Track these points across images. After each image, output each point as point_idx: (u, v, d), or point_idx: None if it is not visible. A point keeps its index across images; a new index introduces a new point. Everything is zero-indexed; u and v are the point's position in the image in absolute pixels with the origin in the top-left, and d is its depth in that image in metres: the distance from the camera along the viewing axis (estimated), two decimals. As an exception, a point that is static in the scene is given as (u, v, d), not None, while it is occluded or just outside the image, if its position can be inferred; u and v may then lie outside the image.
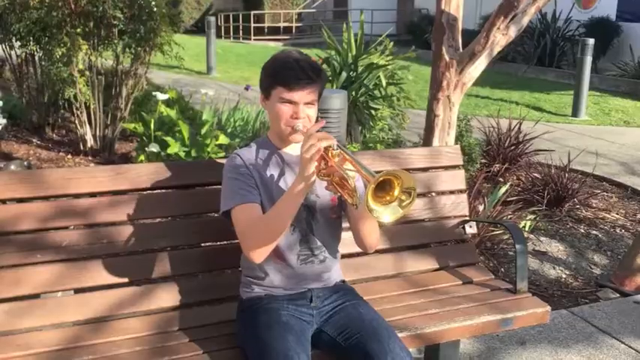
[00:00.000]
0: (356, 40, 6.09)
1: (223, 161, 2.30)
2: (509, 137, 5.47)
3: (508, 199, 4.48)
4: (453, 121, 3.89)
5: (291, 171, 2.02)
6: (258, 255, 1.89)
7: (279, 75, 1.93)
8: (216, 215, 2.32)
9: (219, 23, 19.11)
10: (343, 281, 2.18)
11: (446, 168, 2.75)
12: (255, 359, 1.86)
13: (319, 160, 1.76)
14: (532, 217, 4.47)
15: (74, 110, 5.14)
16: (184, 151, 4.55)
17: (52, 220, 2.09)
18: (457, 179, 2.75)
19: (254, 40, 19.32)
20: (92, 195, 2.18)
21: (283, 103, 1.93)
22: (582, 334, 3.06)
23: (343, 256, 2.27)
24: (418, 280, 2.54)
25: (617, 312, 3.31)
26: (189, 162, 3.31)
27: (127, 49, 5.20)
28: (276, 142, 2.05)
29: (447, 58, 3.74)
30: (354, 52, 6.03)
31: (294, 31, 21.49)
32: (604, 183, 5.64)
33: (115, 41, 5.08)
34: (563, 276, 3.81)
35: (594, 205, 4.97)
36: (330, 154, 1.76)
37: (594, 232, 4.47)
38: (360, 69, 5.94)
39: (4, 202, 2.07)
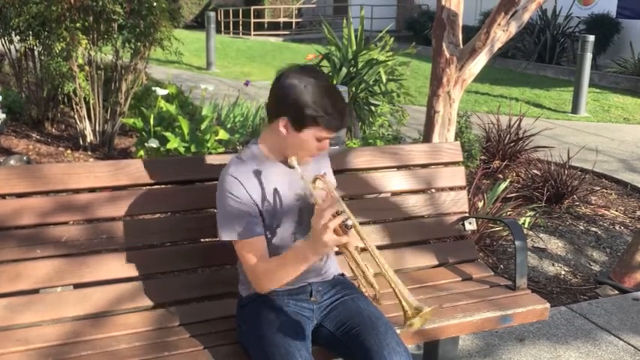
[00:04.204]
0: (356, 36, 6.08)
1: (223, 157, 2.30)
2: (508, 134, 5.47)
3: (507, 196, 4.48)
4: (452, 117, 3.88)
5: (290, 179, 1.97)
6: (263, 290, 1.92)
7: (325, 120, 1.83)
8: (215, 211, 2.32)
9: (219, 18, 19.06)
10: (342, 274, 2.18)
11: (446, 164, 2.75)
12: (256, 355, 1.87)
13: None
14: (531, 213, 4.47)
15: (73, 105, 5.13)
16: (184, 147, 4.55)
17: (51, 215, 2.09)
18: (457, 176, 2.75)
19: (254, 35, 19.26)
20: (92, 190, 2.18)
21: (317, 140, 1.89)
22: (581, 331, 3.07)
23: (343, 252, 2.27)
24: (417, 277, 2.54)
25: (616, 309, 3.31)
26: (188, 157, 3.30)
27: (127, 44, 5.18)
28: (273, 156, 1.96)
29: (447, 54, 3.73)
30: (354, 48, 6.02)
31: (294, 26, 21.45)
32: (603, 180, 5.64)
33: (115, 36, 5.06)
34: (563, 273, 3.81)
35: (594, 201, 4.98)
36: (342, 229, 1.73)
37: (593, 228, 4.47)
38: (360, 65, 5.93)
39: (3, 197, 2.07)
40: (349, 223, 1.70)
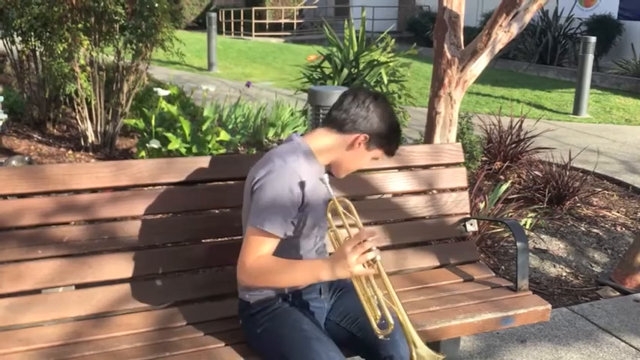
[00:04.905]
0: (357, 37, 6.09)
1: (225, 158, 2.30)
2: (510, 135, 5.46)
3: (509, 197, 4.48)
4: (454, 118, 3.88)
5: (325, 183, 2.00)
6: (243, 281, 1.90)
7: (394, 146, 2.04)
8: (217, 212, 2.32)
9: (220, 19, 19.09)
10: None
11: (447, 165, 2.75)
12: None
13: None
14: (533, 215, 4.47)
15: (75, 106, 5.14)
16: (185, 148, 4.55)
17: (53, 216, 2.09)
18: (458, 177, 2.75)
19: (255, 36, 19.29)
20: (93, 190, 2.18)
21: (371, 159, 2.03)
22: (582, 332, 3.07)
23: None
24: (419, 278, 2.55)
25: (617, 310, 3.31)
26: (190, 158, 3.30)
27: (128, 45, 5.19)
28: (320, 158, 1.99)
29: (448, 55, 3.73)
30: (355, 49, 6.03)
31: (295, 27, 21.47)
32: (605, 181, 5.64)
33: (117, 37, 5.07)
34: (564, 274, 3.81)
35: (595, 203, 4.97)
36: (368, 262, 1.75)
37: (595, 230, 4.47)
38: (361, 66, 5.94)
39: (5, 197, 2.07)
40: (379, 257, 1.73)
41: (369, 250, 1.69)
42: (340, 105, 1.98)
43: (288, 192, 1.85)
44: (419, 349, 1.73)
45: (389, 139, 2.00)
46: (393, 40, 6.31)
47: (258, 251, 1.85)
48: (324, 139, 1.98)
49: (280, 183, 1.85)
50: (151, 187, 2.24)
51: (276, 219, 1.84)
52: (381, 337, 1.77)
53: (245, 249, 1.86)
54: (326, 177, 1.86)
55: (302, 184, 1.88)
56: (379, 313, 1.79)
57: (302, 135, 2.01)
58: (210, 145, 4.63)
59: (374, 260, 1.71)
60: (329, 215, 1.94)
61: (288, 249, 1.95)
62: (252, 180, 1.91)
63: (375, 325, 1.79)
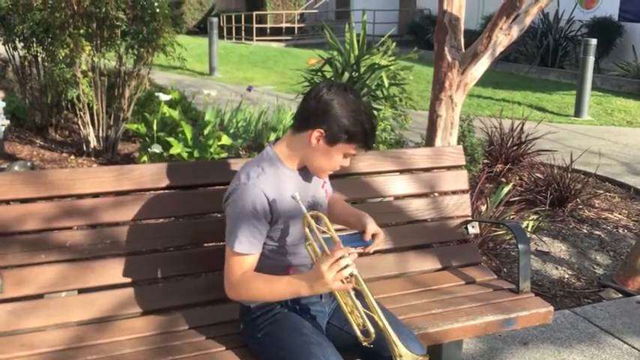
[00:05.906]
0: (358, 41, 6.09)
1: (227, 162, 2.31)
2: (511, 137, 5.47)
3: (510, 200, 4.48)
4: (455, 121, 3.88)
5: (301, 188, 1.97)
6: (231, 296, 1.93)
7: (359, 138, 1.86)
8: (218, 216, 2.33)
9: (221, 24, 19.12)
10: None
11: (448, 168, 2.75)
12: None
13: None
14: (535, 217, 4.47)
15: (77, 111, 5.16)
16: (187, 152, 4.57)
17: (55, 221, 2.10)
18: (460, 179, 2.76)
19: (256, 40, 19.32)
20: (95, 195, 2.19)
21: (344, 156, 1.90)
22: (585, 334, 3.06)
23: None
24: (421, 280, 2.55)
25: (619, 312, 3.31)
26: (191, 162, 3.32)
27: (130, 50, 5.21)
28: (290, 163, 1.95)
29: (449, 58, 3.73)
30: (356, 53, 6.03)
31: (296, 31, 21.49)
32: (607, 183, 5.64)
33: (118, 42, 5.09)
34: (566, 276, 3.81)
35: (597, 205, 4.97)
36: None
37: (597, 232, 4.47)
38: (362, 69, 5.94)
39: (7, 202, 2.08)
40: (355, 272, 1.75)
41: (346, 266, 1.70)
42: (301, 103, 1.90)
43: (251, 210, 1.82)
44: (404, 357, 1.75)
45: (347, 131, 1.82)
46: (394, 44, 6.30)
47: (240, 269, 1.87)
48: (288, 143, 1.92)
49: (243, 202, 1.83)
50: (152, 192, 2.24)
51: (245, 238, 1.84)
52: (365, 344, 1.80)
53: (226, 267, 1.90)
54: (297, 195, 1.83)
55: (267, 199, 1.84)
56: (361, 321, 1.82)
57: (277, 140, 1.98)
58: (211, 150, 4.64)
59: (352, 274, 1.73)
60: (306, 230, 1.89)
61: (282, 255, 1.97)
62: (224, 196, 1.93)
63: (359, 333, 1.82)
